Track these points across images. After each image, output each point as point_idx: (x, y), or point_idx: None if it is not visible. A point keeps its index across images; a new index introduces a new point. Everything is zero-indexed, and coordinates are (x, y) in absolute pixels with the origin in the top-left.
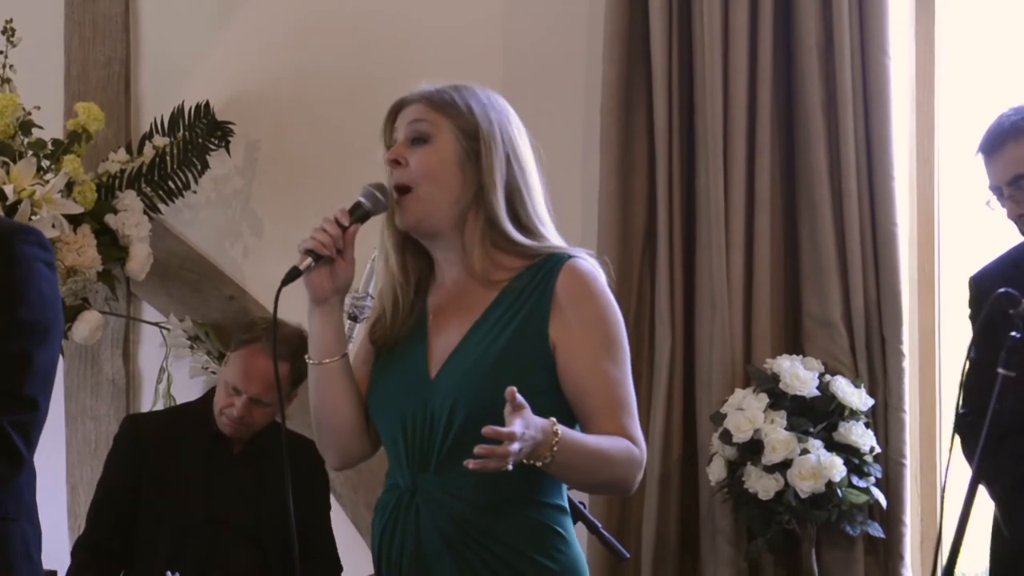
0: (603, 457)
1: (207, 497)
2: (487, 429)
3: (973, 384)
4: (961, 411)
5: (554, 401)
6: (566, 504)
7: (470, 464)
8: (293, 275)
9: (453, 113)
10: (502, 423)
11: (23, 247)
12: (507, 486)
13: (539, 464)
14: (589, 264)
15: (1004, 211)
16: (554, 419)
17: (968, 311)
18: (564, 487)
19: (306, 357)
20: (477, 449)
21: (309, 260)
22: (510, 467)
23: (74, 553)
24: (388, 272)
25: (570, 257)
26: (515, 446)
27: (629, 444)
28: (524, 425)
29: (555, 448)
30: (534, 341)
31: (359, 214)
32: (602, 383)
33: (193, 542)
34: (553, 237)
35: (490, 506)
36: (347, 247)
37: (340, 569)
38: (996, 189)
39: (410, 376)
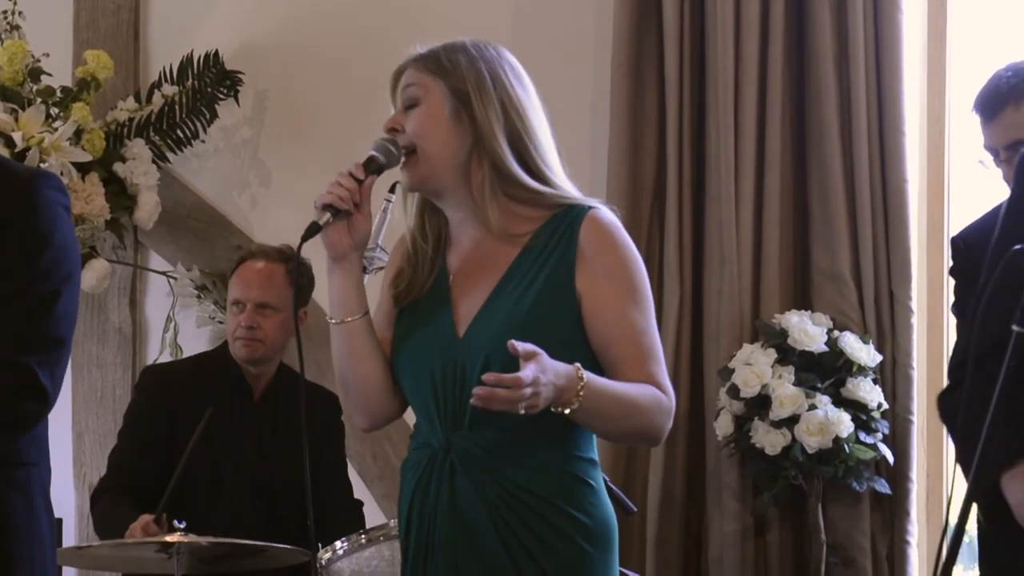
0: (632, 404)
1: (232, 445)
2: (488, 376)
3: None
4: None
5: (583, 354)
6: (596, 457)
7: (474, 400)
8: (313, 230)
9: (440, 71)
10: None
11: (46, 192)
12: (541, 440)
13: (567, 411)
14: (610, 214)
15: (999, 172)
16: (578, 364)
17: (950, 270)
18: (594, 439)
19: (328, 317)
20: (476, 390)
21: (328, 215)
22: (521, 411)
23: (105, 491)
24: (407, 231)
25: (590, 208)
26: (526, 391)
27: (657, 392)
28: (539, 370)
29: (581, 394)
30: (562, 294)
31: (373, 167)
32: (629, 332)
33: (224, 491)
34: (565, 184)
35: (524, 461)
36: (363, 201)
37: (360, 512)
38: (992, 151)
39: (437, 336)
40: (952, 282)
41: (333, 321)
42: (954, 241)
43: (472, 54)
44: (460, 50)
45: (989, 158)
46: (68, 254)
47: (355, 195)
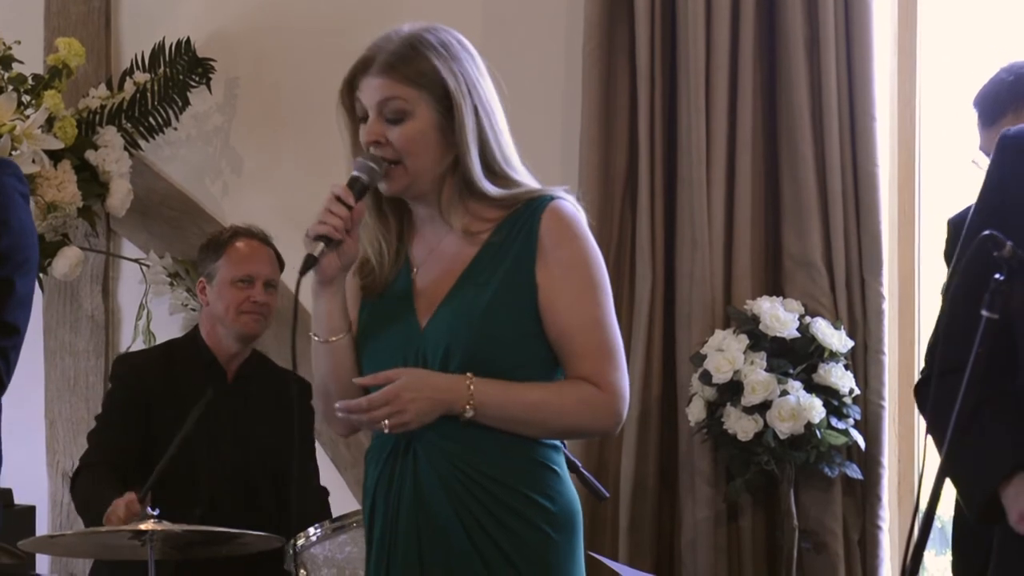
0: (545, 407)
1: (209, 428)
2: (339, 404)
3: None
4: (923, 372)
5: (543, 346)
6: (559, 442)
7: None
8: (310, 264)
9: (422, 82)
10: (496, 368)
11: (2, 178)
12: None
13: (465, 417)
14: (571, 205)
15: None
16: (470, 374)
17: (944, 252)
18: None
19: (312, 335)
20: (337, 404)
21: (322, 246)
22: (385, 430)
23: (87, 467)
24: (369, 223)
25: (552, 198)
26: (380, 411)
27: (590, 390)
28: (401, 388)
29: (471, 403)
30: (522, 286)
31: (358, 188)
32: (581, 325)
33: (200, 474)
34: (523, 176)
35: (487, 448)
36: (354, 225)
37: (326, 494)
38: (987, 153)
39: (400, 328)
40: (924, 267)
41: (318, 339)
42: (947, 222)
43: (444, 55)
44: (430, 48)
45: (983, 158)
46: (23, 239)
47: (347, 222)
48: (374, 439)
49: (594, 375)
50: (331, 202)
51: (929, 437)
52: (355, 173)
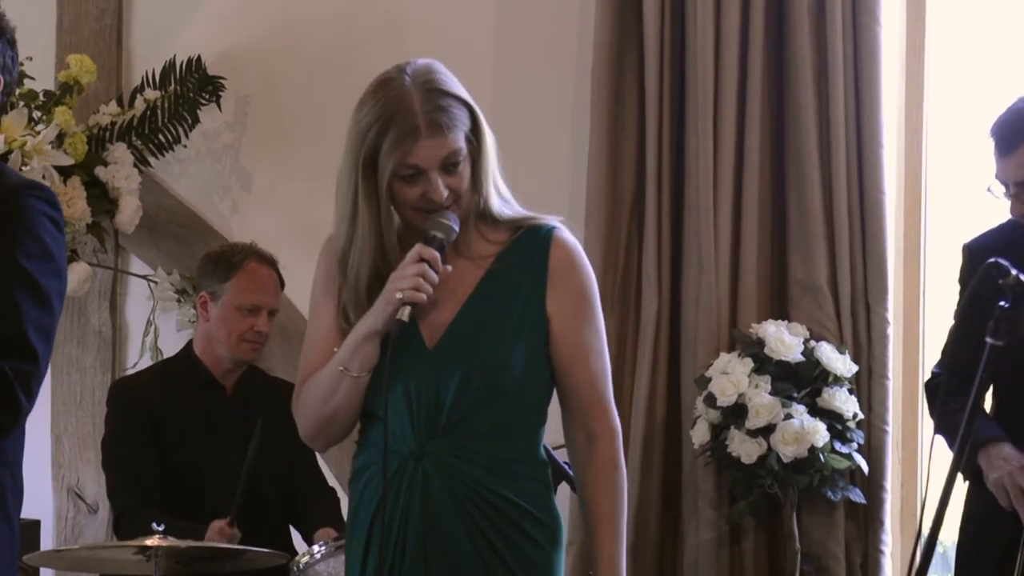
0: (622, 523)
1: (213, 445)
2: None
3: (953, 348)
4: (934, 370)
5: (546, 371)
6: (547, 458)
7: None
8: (400, 329)
9: (464, 122)
10: (512, 389)
11: (31, 200)
12: (513, 447)
13: None
14: (571, 236)
15: (1003, 199)
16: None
17: (959, 277)
18: (543, 440)
19: (341, 369)
20: None
21: (409, 309)
22: None
23: (131, 510)
24: (370, 242)
25: (553, 228)
26: None
27: (605, 476)
28: None
29: None
30: (534, 313)
31: (437, 246)
32: (586, 356)
33: (205, 489)
34: (511, 198)
35: (498, 467)
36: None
37: (337, 496)
38: (1003, 183)
39: (406, 349)
40: (929, 293)
41: (352, 375)
42: (963, 248)
43: (459, 86)
44: (455, 87)
45: (998, 187)
46: (48, 266)
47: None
48: (363, 457)
49: (602, 403)
50: (423, 269)
51: (937, 437)
52: (435, 233)
